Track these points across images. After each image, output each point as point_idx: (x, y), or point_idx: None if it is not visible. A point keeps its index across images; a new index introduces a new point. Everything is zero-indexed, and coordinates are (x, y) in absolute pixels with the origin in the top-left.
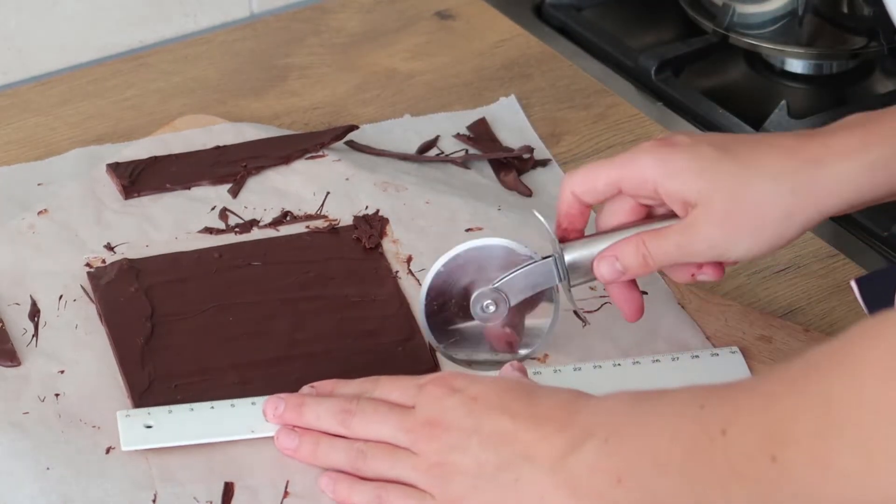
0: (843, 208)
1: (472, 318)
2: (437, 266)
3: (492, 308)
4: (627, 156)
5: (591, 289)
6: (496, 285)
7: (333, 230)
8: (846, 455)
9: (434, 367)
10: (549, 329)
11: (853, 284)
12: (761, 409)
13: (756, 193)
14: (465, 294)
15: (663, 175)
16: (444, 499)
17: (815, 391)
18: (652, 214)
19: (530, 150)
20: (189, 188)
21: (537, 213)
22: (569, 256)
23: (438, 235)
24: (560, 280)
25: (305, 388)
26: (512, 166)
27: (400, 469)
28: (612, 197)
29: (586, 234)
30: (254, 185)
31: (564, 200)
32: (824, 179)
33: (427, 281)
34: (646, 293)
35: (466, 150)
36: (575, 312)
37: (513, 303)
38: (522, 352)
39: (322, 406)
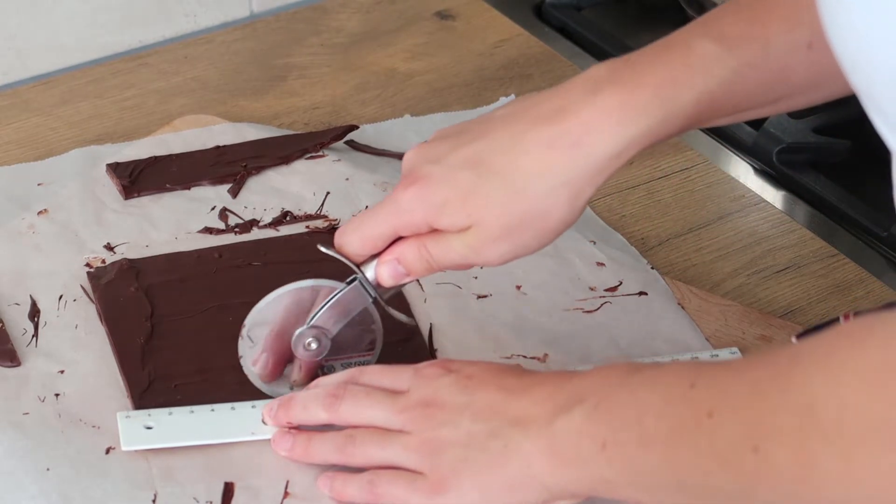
0: (618, 168)
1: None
2: (245, 330)
3: (314, 345)
4: (391, 205)
5: (592, 289)
6: (311, 323)
7: (333, 230)
8: (828, 457)
9: None
10: (378, 343)
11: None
12: (747, 398)
13: (530, 202)
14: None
15: (431, 214)
16: (436, 475)
17: (798, 389)
18: None
19: None
20: (189, 188)
21: (322, 247)
22: (370, 273)
23: None
24: (371, 297)
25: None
26: None
27: (390, 450)
28: None
29: None
30: (254, 185)
31: (347, 257)
32: (592, 161)
33: (243, 340)
34: (645, 293)
35: None
36: (400, 319)
37: (333, 333)
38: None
39: (308, 395)
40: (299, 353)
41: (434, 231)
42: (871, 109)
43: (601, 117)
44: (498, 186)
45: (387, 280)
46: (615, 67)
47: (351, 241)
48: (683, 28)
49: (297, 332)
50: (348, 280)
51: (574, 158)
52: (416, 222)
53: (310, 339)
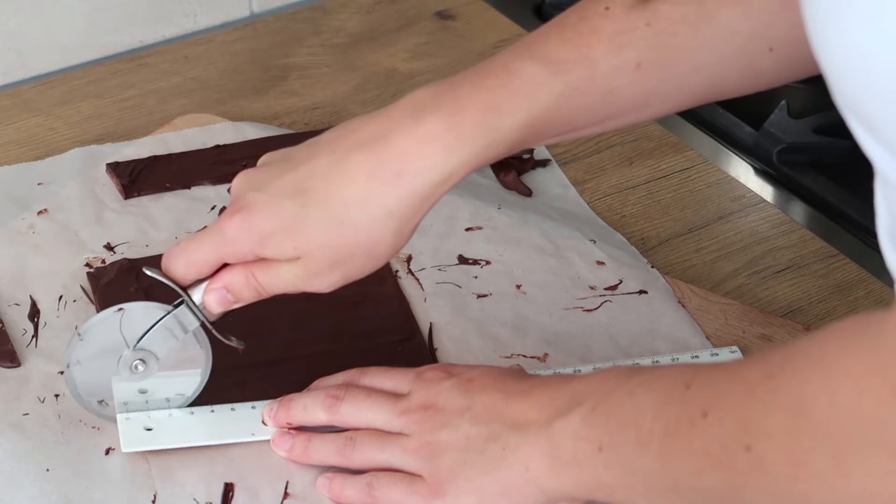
0: (445, 193)
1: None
2: (72, 356)
3: (141, 367)
4: (216, 233)
5: (592, 288)
6: (136, 346)
7: None
8: (818, 456)
9: None
10: (206, 365)
11: None
12: (740, 397)
13: (355, 233)
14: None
15: (256, 244)
16: (434, 479)
17: (789, 389)
18: None
19: (530, 150)
20: (189, 188)
21: (148, 270)
22: (197, 297)
23: (438, 235)
24: (199, 321)
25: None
26: (512, 166)
27: (389, 453)
28: None
29: None
30: None
31: (174, 280)
32: (415, 190)
33: (69, 370)
34: (645, 292)
35: None
36: (229, 342)
37: (161, 356)
38: (189, 392)
39: (309, 397)
40: (126, 375)
41: (261, 259)
42: (855, 123)
43: (423, 145)
44: (322, 218)
45: (214, 307)
46: (439, 91)
47: (177, 266)
48: (508, 49)
49: (124, 353)
50: (175, 303)
51: (397, 188)
52: (242, 251)
53: (136, 362)
